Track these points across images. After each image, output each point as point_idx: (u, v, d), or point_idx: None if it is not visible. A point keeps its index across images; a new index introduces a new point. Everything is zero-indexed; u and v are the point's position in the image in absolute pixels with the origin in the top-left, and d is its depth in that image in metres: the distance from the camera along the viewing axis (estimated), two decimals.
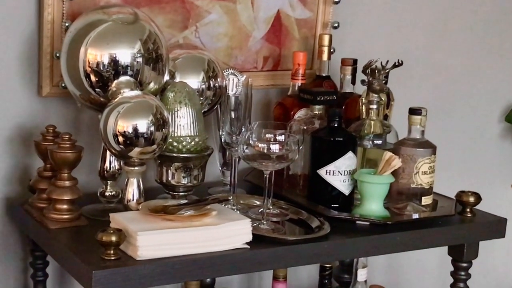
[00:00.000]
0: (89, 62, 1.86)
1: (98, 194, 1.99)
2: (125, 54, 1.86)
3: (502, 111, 2.78)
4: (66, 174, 1.88)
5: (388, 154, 2.01)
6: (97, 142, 1.97)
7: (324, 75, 2.28)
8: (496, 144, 2.80)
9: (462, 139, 2.73)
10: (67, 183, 1.88)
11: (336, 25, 2.38)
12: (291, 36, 2.35)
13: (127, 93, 1.84)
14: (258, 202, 2.05)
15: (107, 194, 1.98)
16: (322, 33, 2.32)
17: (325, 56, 2.26)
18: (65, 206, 1.88)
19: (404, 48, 2.55)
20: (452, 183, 2.58)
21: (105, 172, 1.97)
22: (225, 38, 2.25)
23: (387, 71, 2.14)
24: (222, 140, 1.99)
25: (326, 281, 2.40)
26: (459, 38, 2.66)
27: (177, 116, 1.92)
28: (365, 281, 2.31)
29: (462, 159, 2.75)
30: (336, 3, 2.36)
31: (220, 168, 2.19)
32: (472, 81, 2.71)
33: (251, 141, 1.87)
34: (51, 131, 1.96)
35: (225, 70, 2.08)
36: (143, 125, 1.80)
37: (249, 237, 1.80)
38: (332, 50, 2.29)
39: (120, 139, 1.80)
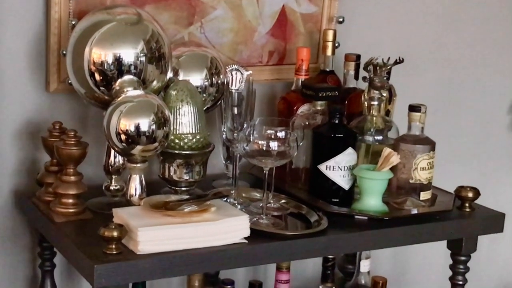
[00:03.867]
0: (93, 62, 1.91)
1: (103, 188, 2.04)
2: (129, 54, 1.91)
3: (510, 103, 2.80)
4: (71, 170, 1.94)
5: (387, 151, 2.05)
6: (103, 136, 2.01)
7: (328, 69, 2.31)
8: (504, 136, 2.82)
9: (469, 131, 2.75)
10: (72, 178, 1.94)
11: (341, 19, 2.41)
12: (297, 30, 2.38)
13: (130, 92, 1.89)
14: (259, 195, 2.09)
15: (111, 188, 2.03)
16: (326, 28, 2.35)
17: (329, 51, 2.29)
18: (70, 200, 1.93)
19: (410, 42, 2.57)
20: (460, 175, 2.61)
21: (110, 167, 2.03)
22: (230, 34, 2.29)
23: (388, 67, 2.16)
24: (224, 137, 2.03)
25: (329, 271, 2.44)
26: (466, 31, 2.67)
27: (179, 114, 1.97)
28: (368, 272, 2.35)
29: (469, 152, 2.77)
30: None
31: (224, 162, 2.23)
32: (479, 74, 2.73)
33: (251, 138, 1.91)
34: (58, 127, 2.01)
35: (229, 66, 2.12)
36: (145, 123, 1.84)
37: (247, 232, 1.85)
38: (337, 45, 2.32)
39: (123, 137, 1.85)
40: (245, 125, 1.99)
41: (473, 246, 2.14)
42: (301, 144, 2.06)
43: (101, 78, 1.91)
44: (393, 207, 2.08)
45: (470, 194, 2.13)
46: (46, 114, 2.13)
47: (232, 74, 2.10)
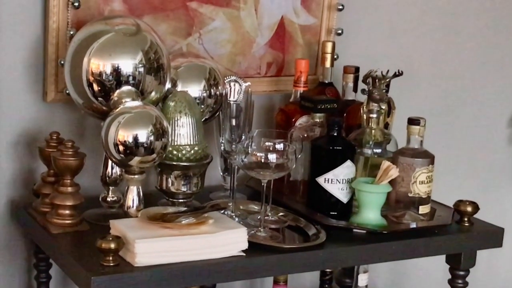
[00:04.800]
0: (92, 72, 1.90)
1: (100, 199, 2.03)
2: (127, 65, 1.90)
3: (510, 116, 2.80)
4: (68, 180, 1.92)
5: (386, 164, 2.04)
6: (100, 147, 2.00)
7: (327, 81, 2.30)
8: (504, 150, 2.81)
9: (469, 145, 2.75)
10: (69, 189, 1.92)
11: (340, 31, 2.40)
12: (295, 42, 2.38)
13: (128, 103, 1.88)
14: (257, 208, 2.08)
15: (108, 199, 2.02)
16: (325, 40, 2.35)
17: (328, 63, 2.29)
18: (67, 212, 1.92)
19: (409, 54, 2.57)
20: (459, 189, 2.60)
21: (107, 178, 2.02)
22: (228, 45, 2.28)
23: (387, 80, 2.16)
24: (222, 148, 2.02)
25: (327, 285, 2.43)
26: (465, 44, 2.67)
27: (177, 125, 1.96)
28: (366, 286, 2.34)
29: (469, 166, 2.76)
30: (340, 9, 2.39)
31: (221, 174, 2.22)
32: (479, 87, 2.72)
33: (249, 150, 1.90)
34: (55, 137, 2.00)
35: (227, 77, 2.11)
36: (143, 135, 1.84)
37: (245, 245, 1.84)
38: (335, 57, 2.31)
39: (121, 148, 1.84)
40: (243, 137, 1.98)
41: (472, 261, 2.13)
42: (299, 156, 2.05)
43: (99, 88, 1.91)
44: (391, 221, 2.07)
45: (469, 209, 2.12)
46: (43, 124, 2.12)
47: (230, 86, 2.09)
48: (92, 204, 2.04)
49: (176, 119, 1.96)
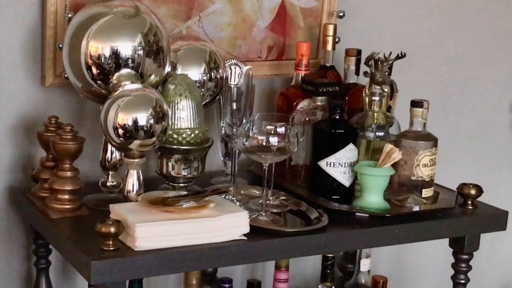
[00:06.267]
0: (90, 55, 1.88)
1: (100, 184, 2.01)
2: (126, 47, 1.88)
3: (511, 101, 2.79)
4: (67, 165, 1.91)
5: (388, 147, 2.02)
6: (100, 132, 1.98)
7: (328, 65, 2.28)
8: (506, 134, 2.80)
9: (472, 128, 2.73)
10: (68, 174, 1.91)
11: (341, 14, 2.38)
12: (296, 25, 2.35)
13: (128, 86, 1.86)
14: (258, 193, 2.06)
15: (108, 184, 2.00)
16: (326, 23, 2.32)
17: (329, 46, 2.27)
18: (66, 196, 1.90)
19: (412, 37, 2.55)
20: (461, 173, 2.58)
21: (107, 163, 2.00)
22: (229, 28, 2.26)
23: (390, 62, 2.14)
24: (223, 132, 2.01)
25: (329, 270, 2.40)
26: (467, 27, 2.65)
27: (177, 109, 1.94)
28: (368, 271, 2.33)
29: (472, 149, 2.74)
30: None
31: (222, 158, 2.20)
32: (481, 71, 2.71)
33: (250, 133, 1.88)
34: (54, 122, 1.99)
35: (228, 60, 2.08)
36: (143, 118, 1.82)
37: (247, 229, 1.82)
38: (337, 40, 2.29)
39: (120, 131, 1.82)
40: (244, 121, 1.96)
41: (476, 244, 2.12)
42: (301, 140, 2.03)
43: (98, 71, 1.89)
44: (394, 204, 2.05)
45: (473, 192, 2.10)
46: (42, 109, 2.10)
47: (231, 69, 2.06)
48: (92, 189, 2.02)
49: (176, 102, 1.94)
